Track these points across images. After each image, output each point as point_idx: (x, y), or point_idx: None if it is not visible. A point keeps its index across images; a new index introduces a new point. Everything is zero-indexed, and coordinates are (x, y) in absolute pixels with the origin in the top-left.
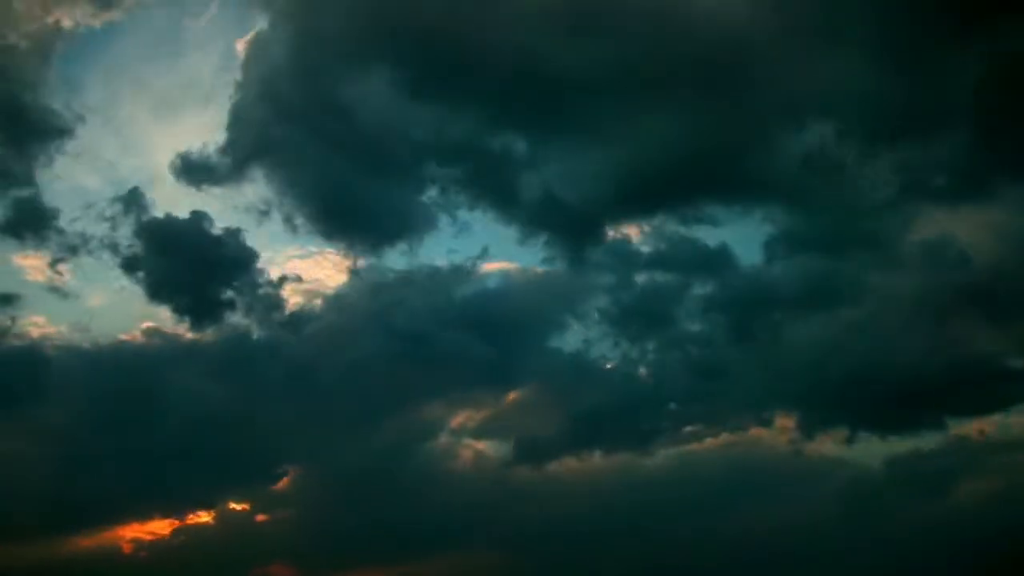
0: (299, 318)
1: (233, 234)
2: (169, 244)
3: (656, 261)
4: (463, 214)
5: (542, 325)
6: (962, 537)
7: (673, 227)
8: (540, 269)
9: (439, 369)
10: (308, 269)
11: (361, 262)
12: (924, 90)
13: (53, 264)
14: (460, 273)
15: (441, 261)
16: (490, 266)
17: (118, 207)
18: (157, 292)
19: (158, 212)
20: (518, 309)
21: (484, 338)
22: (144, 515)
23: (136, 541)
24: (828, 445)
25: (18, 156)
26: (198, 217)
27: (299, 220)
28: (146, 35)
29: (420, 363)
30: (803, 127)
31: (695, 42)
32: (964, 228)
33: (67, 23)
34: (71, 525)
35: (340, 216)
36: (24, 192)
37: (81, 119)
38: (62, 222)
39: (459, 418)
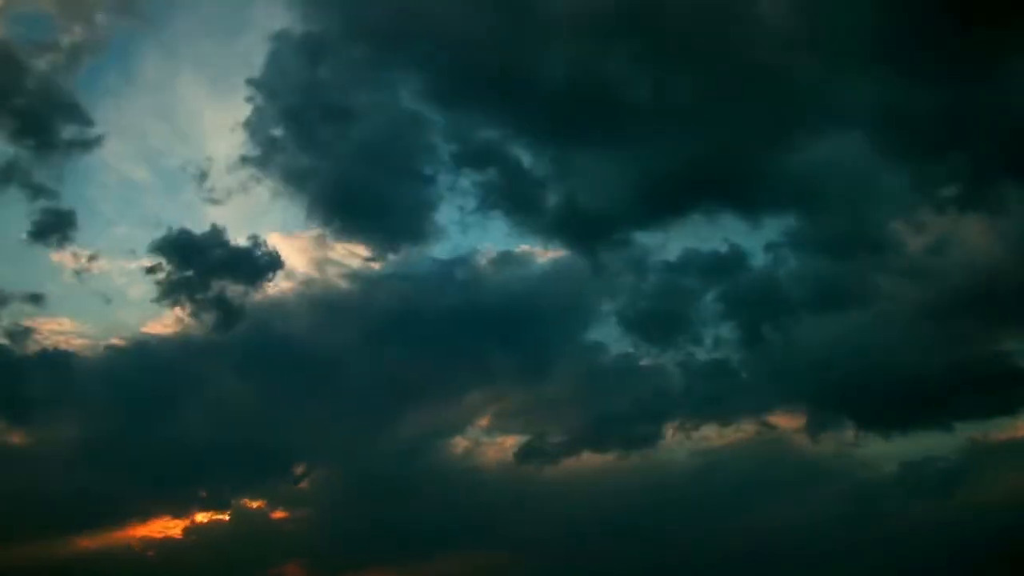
0: (317, 314)
1: (253, 239)
2: (190, 253)
3: (671, 265)
4: (483, 218)
5: (557, 326)
6: (967, 538)
7: (688, 232)
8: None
9: (456, 366)
10: (328, 266)
11: (379, 263)
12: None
13: (79, 267)
14: (481, 265)
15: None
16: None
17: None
18: (178, 293)
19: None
20: (533, 308)
21: (500, 336)
22: (158, 513)
23: (149, 540)
24: (836, 445)
25: (58, 153)
26: (217, 231)
27: (321, 217)
28: (201, 17)
29: (436, 360)
30: (820, 136)
31: (716, 54)
32: (974, 232)
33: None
34: (89, 523)
35: (360, 214)
36: (61, 192)
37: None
38: (95, 222)
39: (476, 415)
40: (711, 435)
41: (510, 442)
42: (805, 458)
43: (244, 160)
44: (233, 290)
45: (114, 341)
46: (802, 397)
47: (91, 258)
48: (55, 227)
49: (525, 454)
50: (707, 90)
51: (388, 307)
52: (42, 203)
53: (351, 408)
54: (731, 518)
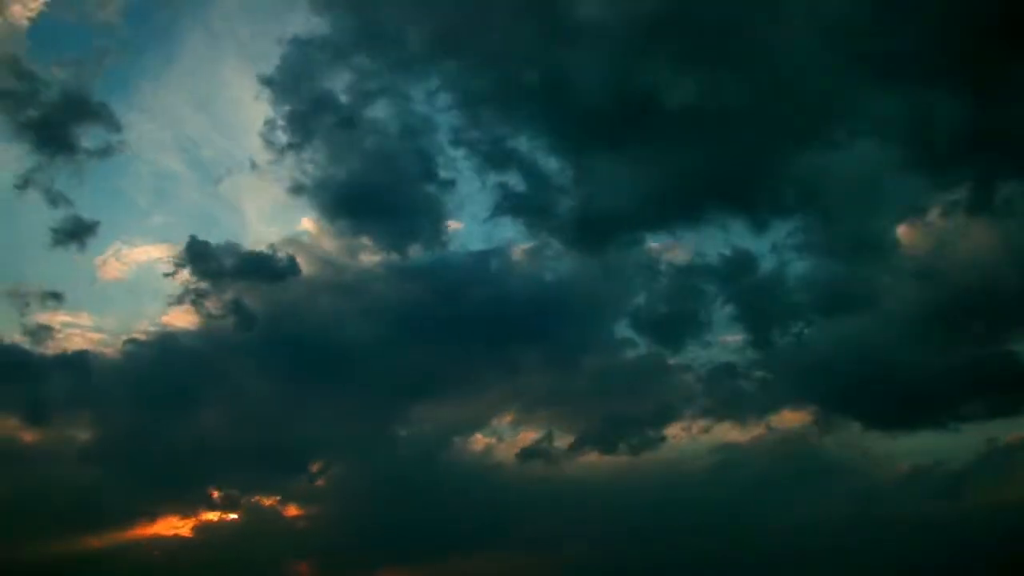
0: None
1: (272, 247)
2: (210, 258)
3: (685, 268)
4: (498, 223)
5: (568, 327)
6: (977, 538)
7: (703, 235)
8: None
9: (467, 364)
10: (343, 261)
11: (394, 256)
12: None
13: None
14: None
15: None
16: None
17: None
18: (198, 296)
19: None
20: (544, 310)
21: (513, 336)
22: (170, 512)
23: (160, 539)
24: (845, 446)
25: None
26: (237, 235)
27: (336, 213)
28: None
29: (453, 356)
30: (829, 142)
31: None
32: (983, 235)
33: None
34: (103, 522)
35: (378, 214)
36: (91, 185)
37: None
38: (127, 212)
39: (490, 414)
40: (720, 435)
41: (520, 442)
42: (814, 459)
43: (273, 152)
44: (253, 292)
45: (134, 337)
46: (811, 398)
47: (105, 262)
48: (77, 231)
49: (534, 454)
50: (726, 97)
51: (403, 303)
52: (68, 200)
53: (369, 403)
54: (740, 517)
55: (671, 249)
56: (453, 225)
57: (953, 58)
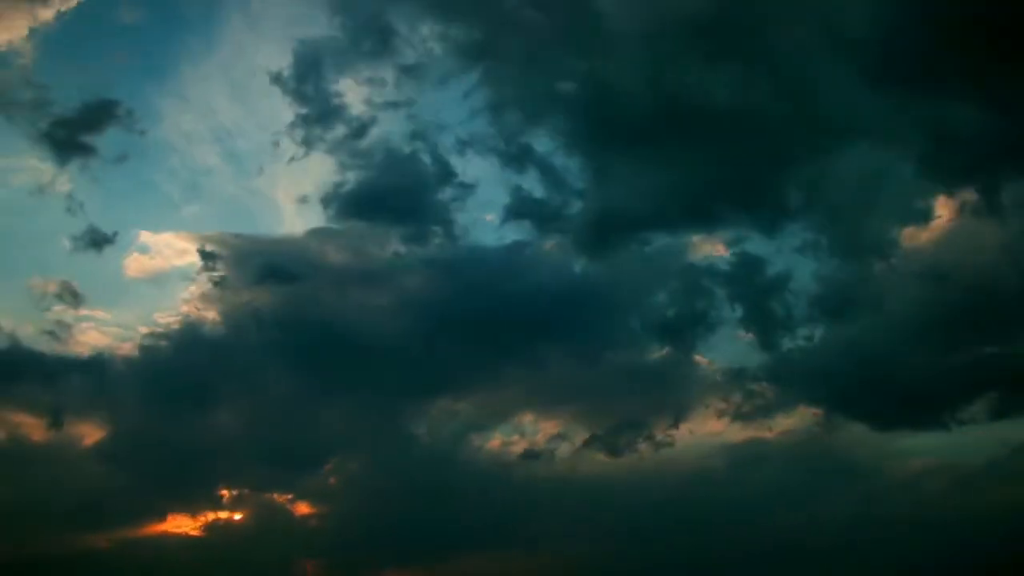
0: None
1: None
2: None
3: (696, 269)
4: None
5: (578, 327)
6: (975, 539)
7: (715, 237)
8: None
9: (496, 360)
10: (361, 257)
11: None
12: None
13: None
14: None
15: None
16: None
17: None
18: (218, 294)
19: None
20: (554, 310)
21: (523, 336)
22: (179, 510)
23: (169, 536)
24: (854, 446)
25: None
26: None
27: (354, 211)
28: None
29: (473, 353)
30: (838, 146)
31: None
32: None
33: None
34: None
35: (394, 207)
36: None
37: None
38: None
39: (495, 414)
40: (726, 436)
41: (529, 443)
42: (820, 460)
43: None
44: (272, 287)
45: (151, 332)
46: (819, 400)
47: (126, 256)
48: (98, 239)
49: (543, 455)
50: (739, 101)
51: (418, 296)
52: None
53: (383, 400)
54: (745, 517)
55: (682, 251)
56: (473, 221)
57: (962, 61)
